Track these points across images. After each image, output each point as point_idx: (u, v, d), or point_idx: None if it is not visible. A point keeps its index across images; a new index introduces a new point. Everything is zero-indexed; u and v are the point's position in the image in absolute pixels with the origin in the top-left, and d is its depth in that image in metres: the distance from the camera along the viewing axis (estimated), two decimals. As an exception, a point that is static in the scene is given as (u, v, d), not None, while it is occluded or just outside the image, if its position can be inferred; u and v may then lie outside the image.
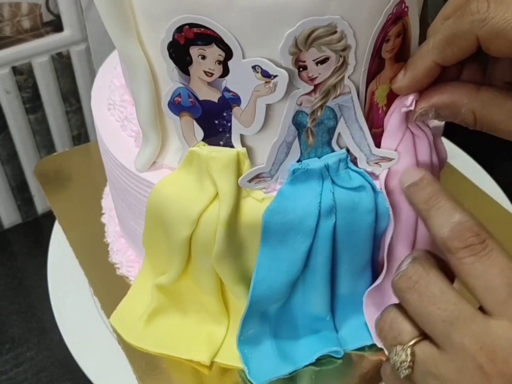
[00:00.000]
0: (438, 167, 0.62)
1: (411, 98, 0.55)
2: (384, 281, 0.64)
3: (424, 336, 0.49)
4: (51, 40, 0.84)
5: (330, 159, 0.57)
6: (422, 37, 0.58)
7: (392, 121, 0.58)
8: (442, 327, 0.47)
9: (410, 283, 0.49)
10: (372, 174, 0.59)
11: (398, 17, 0.53)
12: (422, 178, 0.54)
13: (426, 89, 0.55)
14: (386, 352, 0.51)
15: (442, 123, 0.64)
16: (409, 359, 0.48)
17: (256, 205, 0.58)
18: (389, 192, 0.59)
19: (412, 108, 0.55)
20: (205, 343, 0.66)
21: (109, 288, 0.73)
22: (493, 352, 0.45)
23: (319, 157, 0.57)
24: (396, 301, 0.53)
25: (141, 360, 0.66)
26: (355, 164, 0.58)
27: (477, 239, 0.47)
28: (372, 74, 0.55)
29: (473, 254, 0.47)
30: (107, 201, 0.80)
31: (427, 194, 0.53)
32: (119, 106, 0.65)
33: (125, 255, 0.74)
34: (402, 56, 0.56)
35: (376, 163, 0.58)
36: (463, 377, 0.46)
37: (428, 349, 0.48)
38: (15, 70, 0.84)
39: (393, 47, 0.55)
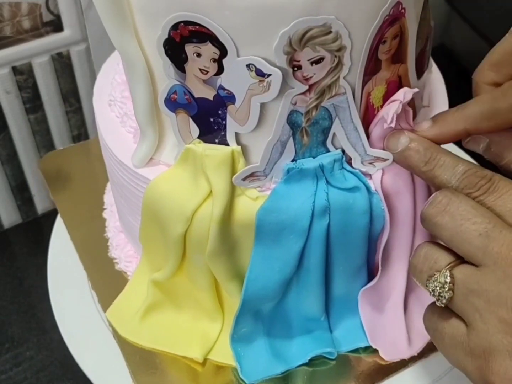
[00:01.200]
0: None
1: (391, 114, 0.55)
2: (379, 282, 0.64)
3: (460, 260, 0.48)
4: (51, 40, 0.84)
5: (324, 159, 0.57)
6: (422, 38, 0.58)
7: (376, 131, 0.58)
8: (479, 242, 0.47)
9: (440, 206, 0.49)
10: (366, 174, 0.59)
11: (395, 18, 0.53)
12: (412, 139, 0.55)
13: None
14: (424, 288, 0.51)
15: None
16: (448, 280, 0.48)
17: (250, 203, 0.58)
18: (384, 193, 0.59)
19: (392, 125, 0.55)
20: (199, 340, 0.67)
21: (107, 283, 0.74)
22: None
23: (314, 157, 0.57)
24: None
25: (135, 355, 0.67)
26: (350, 164, 0.58)
27: (484, 180, 0.49)
28: (368, 75, 0.55)
29: (485, 192, 0.49)
30: (109, 196, 0.80)
31: (423, 155, 0.54)
32: (119, 102, 0.66)
33: (123, 250, 0.75)
34: (398, 58, 0.57)
35: (371, 163, 0.58)
36: (507, 286, 0.45)
37: (467, 269, 0.48)
38: (15, 70, 0.84)
39: (389, 48, 0.55)
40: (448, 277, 0.47)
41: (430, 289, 0.49)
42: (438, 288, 0.48)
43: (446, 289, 0.48)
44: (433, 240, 0.53)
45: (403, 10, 0.54)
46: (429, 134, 0.56)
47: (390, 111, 0.55)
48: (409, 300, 0.68)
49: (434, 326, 0.51)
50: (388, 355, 0.67)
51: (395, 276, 0.65)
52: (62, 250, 0.80)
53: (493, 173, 0.50)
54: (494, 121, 0.54)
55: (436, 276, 0.48)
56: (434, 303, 0.50)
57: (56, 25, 0.83)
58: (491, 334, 0.45)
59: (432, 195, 0.50)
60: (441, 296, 0.48)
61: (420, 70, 0.62)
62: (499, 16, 0.97)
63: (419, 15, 0.57)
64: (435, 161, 0.53)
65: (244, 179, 0.57)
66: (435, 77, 0.70)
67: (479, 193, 0.49)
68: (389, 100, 0.57)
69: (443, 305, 0.48)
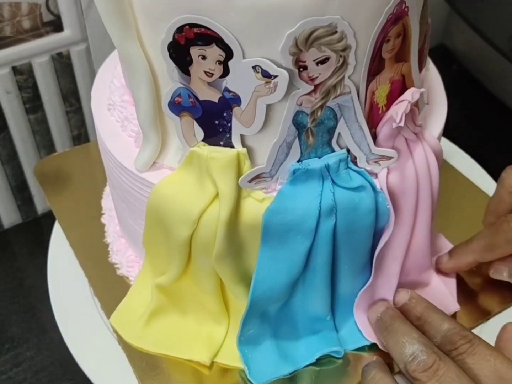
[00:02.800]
0: (437, 166, 0.62)
1: (400, 114, 0.55)
2: (374, 281, 0.64)
3: None
4: (51, 40, 0.84)
5: (330, 159, 0.57)
6: (422, 36, 0.58)
7: (384, 131, 0.58)
8: None
9: (431, 372, 0.54)
10: (371, 173, 0.59)
11: (398, 17, 0.53)
12: (413, 297, 0.63)
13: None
14: None
15: (440, 129, 0.65)
16: None
17: (256, 205, 0.58)
18: (389, 192, 0.59)
19: (401, 124, 0.56)
20: (205, 343, 0.66)
21: (109, 288, 0.73)
22: None
23: (319, 157, 0.57)
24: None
25: (141, 360, 0.66)
26: (355, 163, 0.58)
27: (464, 340, 0.56)
28: (372, 74, 0.55)
29: (464, 352, 0.55)
30: (107, 201, 0.80)
31: (418, 312, 0.62)
32: (119, 107, 0.65)
33: (125, 255, 0.74)
34: (402, 56, 0.57)
35: (376, 162, 0.58)
36: None
37: None
38: (15, 70, 0.84)
39: (393, 47, 0.55)
40: None
41: None
42: None
43: None
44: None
45: (406, 9, 0.54)
46: (449, 266, 0.70)
47: (399, 110, 0.56)
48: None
49: None
50: None
51: (389, 275, 0.65)
52: (62, 250, 0.80)
53: (474, 335, 0.57)
54: (495, 253, 0.66)
55: None
56: None
57: (56, 25, 0.83)
58: None
59: (415, 353, 0.56)
60: None
61: (420, 68, 0.62)
62: (499, 16, 0.97)
63: (419, 14, 0.57)
64: (425, 318, 0.61)
65: (250, 181, 0.57)
66: (432, 75, 0.70)
67: (458, 352, 0.56)
68: (397, 100, 0.57)
69: None
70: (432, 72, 0.70)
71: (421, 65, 0.62)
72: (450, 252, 0.70)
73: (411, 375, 0.55)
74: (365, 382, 0.59)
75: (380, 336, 0.63)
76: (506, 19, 0.96)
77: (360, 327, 0.67)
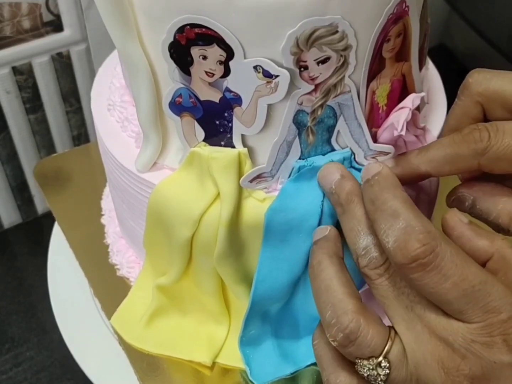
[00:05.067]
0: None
1: (402, 122, 0.55)
2: None
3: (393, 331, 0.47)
4: (51, 40, 0.84)
5: (334, 156, 0.57)
6: (421, 35, 0.58)
7: (384, 136, 0.58)
8: (407, 315, 0.47)
9: (385, 267, 0.48)
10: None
11: (398, 17, 0.53)
12: (379, 173, 0.51)
13: (470, 178, 0.55)
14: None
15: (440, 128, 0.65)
16: (385, 370, 0.46)
17: (258, 205, 0.58)
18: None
19: (402, 133, 0.55)
20: (206, 344, 0.67)
21: (110, 289, 0.73)
22: (451, 347, 0.45)
23: (322, 155, 0.57)
24: None
25: (142, 361, 0.66)
26: (354, 159, 0.59)
27: (422, 247, 0.44)
28: (373, 73, 0.55)
29: (420, 267, 0.44)
30: (107, 202, 0.80)
31: (374, 192, 0.49)
32: (119, 107, 0.65)
33: (125, 256, 0.74)
34: (402, 56, 0.57)
35: (373, 157, 0.58)
36: (423, 371, 0.45)
37: (400, 349, 0.47)
38: (15, 70, 0.84)
39: (393, 46, 0.55)
40: (385, 366, 0.46)
41: (361, 371, 0.47)
42: (373, 374, 0.47)
43: (383, 377, 0.47)
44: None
45: (406, 8, 0.54)
46: (396, 171, 0.54)
47: (400, 119, 0.55)
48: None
49: None
50: None
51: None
52: (62, 250, 0.80)
53: (437, 242, 0.44)
54: (456, 166, 0.52)
55: (370, 362, 0.47)
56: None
57: (56, 25, 0.83)
58: None
59: (368, 246, 0.49)
60: (376, 382, 0.47)
61: (420, 67, 0.62)
62: (499, 16, 0.97)
63: (420, 13, 0.58)
64: (379, 203, 0.48)
65: (251, 181, 0.57)
66: (432, 74, 0.70)
67: (412, 271, 0.45)
68: (397, 106, 0.57)
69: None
70: (431, 72, 0.70)
71: (421, 64, 0.62)
72: (396, 158, 0.57)
73: (361, 270, 0.49)
74: (309, 265, 0.52)
75: (333, 208, 0.55)
76: (506, 19, 0.96)
77: None
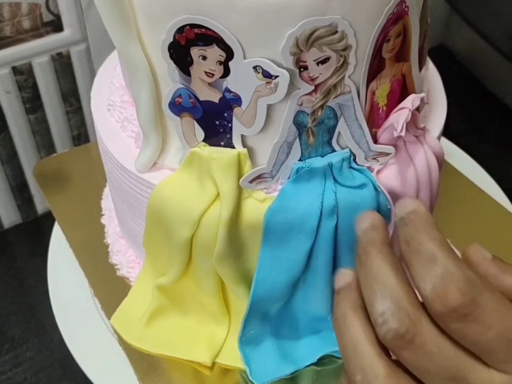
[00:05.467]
0: (437, 168, 0.62)
1: (401, 123, 0.55)
2: None
3: None
4: (51, 40, 0.84)
5: (333, 158, 0.57)
6: (421, 35, 0.58)
7: (384, 136, 0.58)
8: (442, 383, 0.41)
9: (403, 343, 0.41)
10: (369, 168, 0.59)
11: (398, 17, 0.53)
12: (414, 211, 0.45)
13: None
14: None
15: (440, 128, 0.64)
16: None
17: (258, 205, 0.58)
18: (389, 193, 0.59)
19: (402, 134, 0.55)
20: (206, 344, 0.67)
21: (110, 289, 0.73)
22: None
23: (320, 156, 0.57)
24: None
25: (142, 361, 0.66)
26: (355, 160, 0.59)
27: (461, 297, 0.40)
28: (373, 74, 0.55)
29: (460, 317, 0.40)
30: (107, 202, 0.80)
31: (410, 232, 0.44)
32: (119, 107, 0.65)
33: (125, 256, 0.74)
34: (402, 56, 0.57)
35: (374, 158, 0.58)
36: None
37: None
38: (15, 70, 0.84)
39: (393, 47, 0.55)
40: None
41: None
42: None
43: None
44: None
45: (406, 8, 0.54)
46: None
47: (400, 119, 0.55)
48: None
49: None
50: None
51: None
52: (62, 250, 0.80)
53: (481, 286, 0.40)
54: None
55: None
56: None
57: (56, 25, 0.83)
58: None
59: (389, 316, 0.42)
60: None
61: (420, 67, 0.62)
62: (499, 16, 0.97)
63: (420, 13, 0.58)
64: (415, 245, 0.43)
65: (251, 182, 0.57)
66: (432, 74, 0.70)
67: (451, 320, 0.40)
68: (397, 107, 0.57)
69: None
70: (431, 72, 0.70)
71: (421, 64, 0.62)
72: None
73: (381, 340, 0.43)
74: (333, 318, 0.47)
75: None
76: (506, 19, 0.96)
77: None
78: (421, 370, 0.42)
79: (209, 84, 0.53)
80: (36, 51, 0.84)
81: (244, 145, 0.56)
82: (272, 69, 0.50)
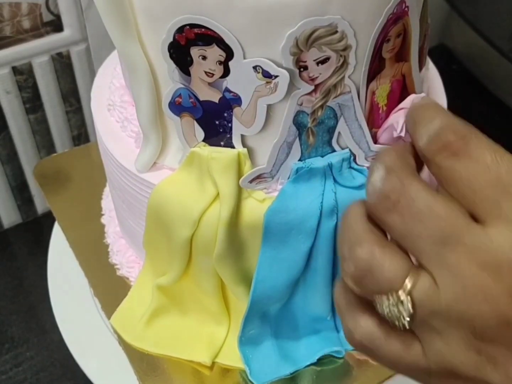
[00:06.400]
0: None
1: (401, 123, 0.55)
2: None
3: (416, 269, 0.39)
4: (51, 40, 0.84)
5: (333, 158, 0.57)
6: (421, 35, 0.58)
7: (384, 136, 0.58)
8: (434, 250, 0.38)
9: (389, 204, 0.39)
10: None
11: (398, 17, 0.53)
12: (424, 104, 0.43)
13: None
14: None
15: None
16: (409, 306, 0.38)
17: (257, 205, 0.58)
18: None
19: (402, 134, 0.55)
20: (206, 344, 0.67)
21: (110, 289, 0.73)
22: (497, 267, 0.36)
23: (320, 157, 0.57)
24: None
25: (142, 361, 0.66)
26: (354, 160, 0.59)
27: (454, 136, 0.39)
28: (373, 74, 0.55)
29: (451, 154, 0.38)
30: (107, 202, 0.80)
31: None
32: (119, 107, 0.65)
33: (125, 256, 0.74)
34: (402, 56, 0.57)
35: (374, 158, 0.58)
36: (466, 304, 0.37)
37: (426, 284, 0.38)
38: (15, 70, 0.84)
39: (393, 47, 0.55)
40: (408, 303, 0.38)
41: (380, 311, 0.40)
42: (393, 312, 0.39)
43: (405, 315, 0.39)
44: None
45: (406, 8, 0.54)
46: None
47: (399, 120, 0.56)
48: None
49: (376, 343, 0.42)
50: None
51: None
52: (62, 250, 0.80)
53: (467, 131, 0.39)
54: None
55: (390, 299, 0.39)
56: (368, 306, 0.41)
57: (56, 25, 0.83)
58: (454, 354, 0.38)
59: (377, 178, 0.40)
60: (399, 323, 0.39)
61: (420, 67, 0.62)
62: (499, 15, 0.97)
63: (420, 13, 0.57)
64: (414, 115, 0.42)
65: (251, 182, 0.57)
66: (432, 74, 0.70)
67: (442, 156, 0.39)
68: (397, 107, 0.57)
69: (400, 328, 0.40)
70: (431, 72, 0.70)
71: (421, 64, 0.62)
72: None
73: (370, 210, 0.41)
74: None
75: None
76: (506, 19, 0.96)
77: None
78: (410, 237, 0.38)
79: (209, 84, 0.53)
80: (36, 51, 0.84)
81: (244, 145, 0.56)
82: (272, 69, 0.50)
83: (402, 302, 0.39)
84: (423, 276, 0.38)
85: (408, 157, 0.41)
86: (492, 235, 0.37)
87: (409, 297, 0.38)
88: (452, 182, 0.38)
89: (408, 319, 0.39)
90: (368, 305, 0.42)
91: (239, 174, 0.56)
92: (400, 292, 0.39)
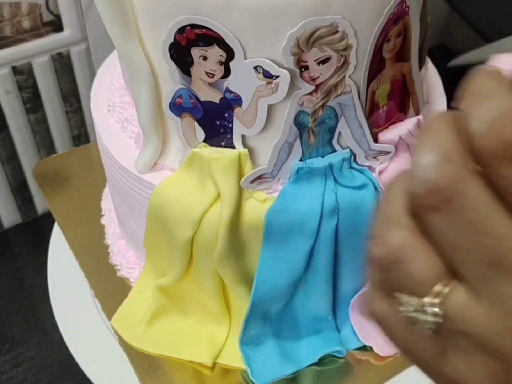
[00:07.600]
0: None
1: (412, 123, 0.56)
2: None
3: (450, 276, 0.32)
4: (51, 40, 0.84)
5: (333, 158, 0.57)
6: (421, 35, 0.58)
7: (388, 135, 0.58)
8: (484, 271, 0.30)
9: (437, 201, 0.30)
10: (370, 168, 0.60)
11: (399, 17, 0.53)
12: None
13: None
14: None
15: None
16: (439, 313, 0.32)
17: (258, 206, 0.58)
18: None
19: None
20: (207, 344, 0.67)
21: (110, 290, 0.73)
22: None
23: (321, 156, 0.57)
24: None
25: (143, 362, 0.66)
26: (355, 160, 0.59)
27: None
28: (373, 73, 0.55)
29: None
30: (107, 203, 0.80)
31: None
32: (119, 108, 0.65)
33: (125, 257, 0.74)
34: (402, 56, 0.57)
35: (374, 157, 0.59)
36: (509, 341, 0.31)
37: (466, 299, 0.31)
38: (15, 70, 0.84)
39: (393, 46, 0.55)
40: (438, 310, 0.32)
41: (399, 306, 0.33)
42: (415, 315, 0.32)
43: (430, 322, 0.32)
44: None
45: (406, 8, 0.54)
46: None
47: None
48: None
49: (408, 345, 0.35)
50: (382, 351, 0.67)
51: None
52: (62, 250, 0.80)
53: None
54: None
55: (413, 300, 0.33)
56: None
57: (56, 25, 0.83)
58: (475, 378, 0.32)
59: (427, 163, 0.30)
60: (419, 326, 0.33)
61: (420, 67, 0.62)
62: (499, 16, 0.97)
63: (420, 13, 0.57)
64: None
65: (252, 182, 0.57)
66: (431, 74, 0.70)
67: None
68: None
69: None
70: (431, 72, 0.70)
71: (421, 64, 0.62)
72: None
73: (413, 199, 0.32)
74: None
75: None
76: (506, 19, 0.96)
77: (356, 329, 0.67)
78: (454, 247, 0.31)
79: (210, 84, 0.53)
80: (36, 51, 0.84)
81: (245, 145, 0.56)
82: (273, 69, 0.50)
83: (429, 307, 0.32)
84: (461, 287, 0.32)
85: (468, 139, 0.31)
86: None
87: (440, 307, 0.32)
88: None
89: (431, 327, 0.32)
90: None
91: (240, 174, 0.56)
92: (430, 298, 0.32)
